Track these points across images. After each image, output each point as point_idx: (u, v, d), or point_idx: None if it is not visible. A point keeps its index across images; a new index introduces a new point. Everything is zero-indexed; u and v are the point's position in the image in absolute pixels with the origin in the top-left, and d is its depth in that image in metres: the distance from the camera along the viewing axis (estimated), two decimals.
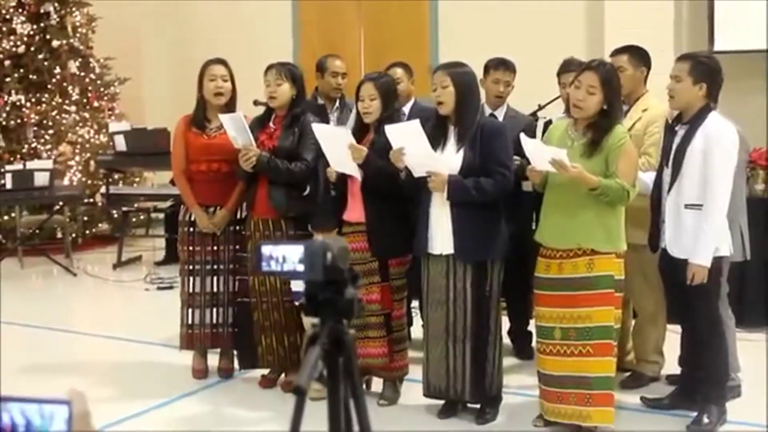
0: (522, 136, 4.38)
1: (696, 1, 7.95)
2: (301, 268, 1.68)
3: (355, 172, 4.73)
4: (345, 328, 1.69)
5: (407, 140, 4.48)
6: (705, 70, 4.44)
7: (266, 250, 1.71)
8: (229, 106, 5.30)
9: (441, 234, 4.52)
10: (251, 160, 4.92)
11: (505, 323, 5.68)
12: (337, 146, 4.73)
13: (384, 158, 4.62)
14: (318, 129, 4.84)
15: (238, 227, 5.32)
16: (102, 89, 10.27)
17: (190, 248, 5.33)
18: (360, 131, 4.88)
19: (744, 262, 4.98)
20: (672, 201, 4.46)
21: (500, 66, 5.61)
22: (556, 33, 8.52)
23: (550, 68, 5.68)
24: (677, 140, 4.47)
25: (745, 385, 4.93)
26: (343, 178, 4.86)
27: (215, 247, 5.31)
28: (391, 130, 4.54)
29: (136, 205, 9.65)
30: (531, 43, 8.51)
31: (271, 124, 5.17)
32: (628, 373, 5.21)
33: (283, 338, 5.11)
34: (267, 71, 5.10)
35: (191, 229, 5.33)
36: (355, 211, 4.86)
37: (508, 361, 5.58)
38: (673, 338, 5.10)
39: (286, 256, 1.69)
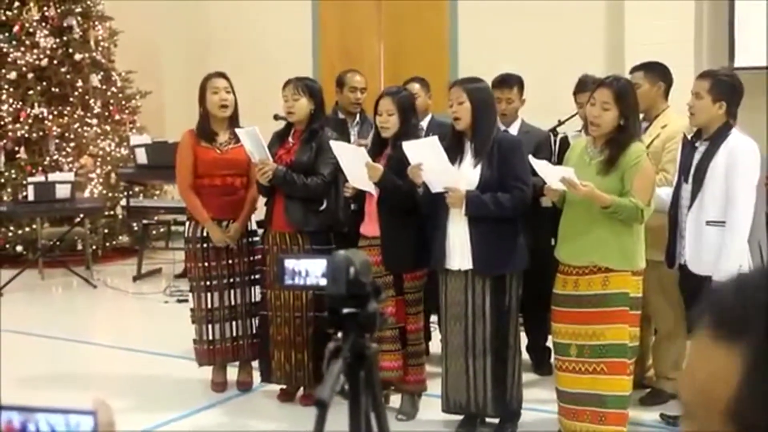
0: (531, 158, 4.38)
1: (717, 18, 7.93)
2: (323, 281, 1.70)
3: (372, 189, 4.75)
4: (367, 341, 1.70)
5: (425, 156, 4.49)
6: (725, 88, 4.43)
7: (289, 264, 1.73)
8: (233, 118, 5.35)
9: (459, 249, 4.53)
10: (267, 174, 4.95)
11: (524, 338, 5.70)
12: (355, 163, 4.76)
13: (401, 173, 4.65)
14: (336, 146, 4.86)
15: (250, 239, 5.36)
16: (123, 102, 10.35)
17: (205, 264, 5.35)
18: (379, 146, 4.90)
19: None
20: (693, 217, 4.45)
21: (498, 85, 5.53)
22: (577, 48, 8.51)
23: (570, 83, 5.69)
24: (698, 156, 4.46)
25: None
26: (361, 193, 4.89)
27: (230, 261, 5.34)
28: (409, 146, 4.56)
29: (156, 217, 9.69)
30: (551, 58, 8.53)
31: (290, 138, 5.20)
32: (647, 390, 5.19)
33: (291, 354, 5.12)
34: (285, 86, 5.13)
35: (204, 245, 5.34)
36: (371, 226, 4.89)
37: (527, 376, 5.55)
38: None
39: (309, 269, 1.71)
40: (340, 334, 1.72)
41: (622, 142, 4.27)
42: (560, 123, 6.03)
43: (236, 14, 10.60)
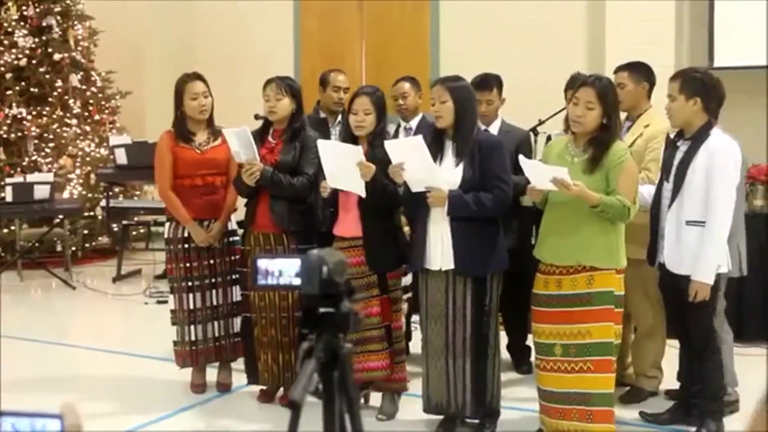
0: (521, 157, 4.37)
1: (697, 18, 7.97)
2: (297, 281, 1.69)
3: (359, 189, 4.70)
4: (341, 341, 1.69)
5: (408, 155, 4.48)
6: (696, 84, 4.45)
7: (263, 264, 1.71)
8: (210, 121, 5.35)
9: (440, 249, 4.52)
10: (255, 174, 4.93)
11: (503, 337, 5.70)
12: (343, 163, 4.69)
13: (382, 172, 4.63)
14: (323, 145, 4.82)
15: (230, 239, 5.36)
16: (103, 102, 10.30)
17: (187, 265, 5.32)
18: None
19: (741, 277, 4.97)
20: (673, 217, 4.46)
21: (478, 86, 5.44)
22: (558, 49, 8.54)
23: (551, 84, 5.70)
24: (679, 156, 4.47)
25: (742, 400, 4.92)
26: (334, 194, 4.86)
27: (212, 261, 5.32)
28: (392, 145, 4.55)
29: (136, 218, 9.65)
30: (532, 58, 8.55)
31: (270, 138, 5.17)
32: (627, 388, 5.20)
33: (278, 355, 5.10)
34: (266, 86, 5.11)
35: (186, 246, 5.32)
36: (348, 226, 4.87)
37: (507, 375, 5.57)
38: (672, 353, 5.09)
39: (282, 270, 1.69)
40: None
41: (605, 140, 4.27)
42: (541, 122, 6.04)
43: (218, 14, 10.57)
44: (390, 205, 4.74)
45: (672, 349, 5.12)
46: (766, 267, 6.19)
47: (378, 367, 4.84)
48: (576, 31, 8.69)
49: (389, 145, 4.55)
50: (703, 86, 4.45)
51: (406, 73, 6.37)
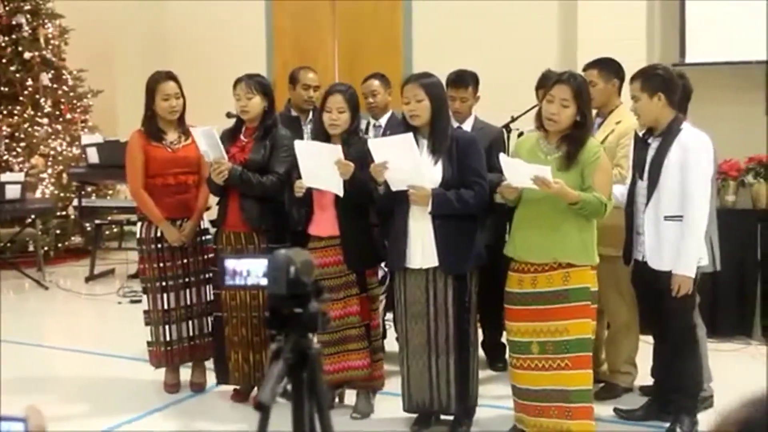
0: (502, 156, 4.36)
1: (668, 15, 7.99)
2: (265, 281, 1.67)
3: (337, 188, 4.67)
4: (310, 342, 1.67)
5: (393, 154, 4.44)
6: (657, 80, 4.47)
7: (230, 264, 1.70)
8: (181, 120, 5.31)
9: (421, 247, 4.50)
10: (223, 173, 4.90)
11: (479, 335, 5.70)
12: (320, 162, 4.65)
13: (356, 170, 4.60)
14: (300, 145, 4.79)
15: (203, 238, 5.33)
16: (75, 101, 10.20)
17: (161, 264, 5.28)
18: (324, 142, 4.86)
19: (714, 272, 4.99)
20: (651, 213, 4.47)
21: (451, 84, 5.46)
22: (530, 44, 8.54)
23: (523, 80, 5.70)
24: (651, 153, 4.48)
25: (717, 396, 4.94)
26: (308, 194, 4.83)
27: (185, 260, 5.29)
28: (376, 144, 4.52)
29: (109, 217, 9.58)
30: (504, 55, 8.54)
31: (242, 136, 5.14)
32: (601, 384, 5.21)
33: (249, 355, 5.07)
34: (236, 85, 5.08)
35: (159, 245, 5.28)
36: (324, 226, 4.84)
37: (481, 372, 5.55)
38: (646, 349, 5.11)
39: (250, 270, 1.68)
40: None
41: (580, 138, 4.28)
42: (513, 119, 6.03)
43: (190, 12, 10.50)
44: (366, 202, 4.71)
45: (646, 345, 5.13)
46: (738, 262, 6.23)
47: (359, 366, 4.82)
48: (548, 28, 8.69)
49: (373, 143, 4.52)
50: (663, 81, 4.47)
51: (380, 71, 6.34)
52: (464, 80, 5.56)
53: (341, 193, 4.66)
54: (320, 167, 4.67)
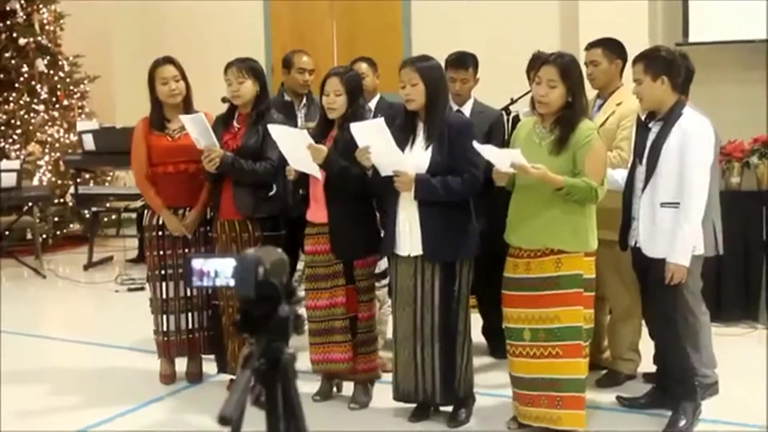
0: (475, 143, 4.24)
1: None
2: (234, 282, 1.57)
3: (317, 173, 4.61)
4: (282, 346, 1.57)
5: (373, 138, 4.36)
6: (660, 63, 4.34)
7: (197, 263, 1.59)
8: (187, 105, 5.18)
9: (409, 234, 4.41)
10: (214, 161, 4.80)
11: (479, 321, 5.61)
12: (296, 146, 4.59)
13: (348, 156, 4.51)
14: (274, 129, 4.68)
15: (207, 228, 5.20)
16: (71, 87, 10.11)
17: (161, 252, 5.19)
18: (325, 127, 4.76)
19: (718, 257, 4.88)
20: (647, 199, 4.36)
21: (452, 65, 5.36)
22: (530, 26, 8.43)
23: (523, 62, 5.56)
24: (651, 137, 4.36)
25: (722, 382, 4.84)
26: (305, 177, 4.74)
27: (186, 250, 5.17)
28: (356, 129, 4.42)
29: (107, 204, 9.50)
30: (504, 37, 8.43)
31: (235, 123, 5.03)
32: (603, 372, 5.12)
33: (245, 344, 4.96)
34: (227, 69, 4.96)
35: (160, 233, 5.19)
36: (317, 212, 4.74)
37: (483, 360, 5.50)
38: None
39: (218, 270, 1.57)
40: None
41: (571, 120, 4.17)
42: (513, 101, 5.93)
43: None
44: (353, 188, 4.59)
45: None
46: (743, 245, 6.12)
47: (340, 359, 4.74)
48: (549, 9, 8.58)
49: (354, 128, 4.41)
50: (667, 64, 4.34)
51: (378, 53, 6.25)
52: (464, 61, 5.46)
53: (320, 177, 4.59)
54: (297, 151, 4.59)
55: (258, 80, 4.96)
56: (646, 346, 5.01)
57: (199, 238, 5.21)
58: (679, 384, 4.43)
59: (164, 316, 5.21)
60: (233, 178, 4.90)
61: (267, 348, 1.56)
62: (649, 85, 4.32)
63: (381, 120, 4.36)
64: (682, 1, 7.61)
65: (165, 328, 5.21)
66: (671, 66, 4.34)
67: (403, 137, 4.42)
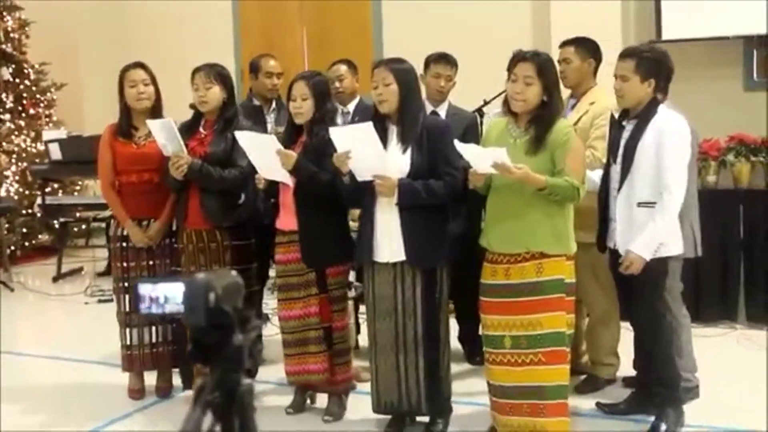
0: (457, 142, 4.14)
1: None
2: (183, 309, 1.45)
3: (286, 179, 4.49)
4: (238, 377, 1.45)
5: (355, 143, 4.23)
6: (652, 65, 4.24)
7: (144, 289, 1.47)
8: (156, 111, 5.04)
9: (388, 240, 4.29)
10: (182, 168, 4.67)
11: (455, 327, 5.51)
12: (265, 153, 4.48)
13: (318, 161, 4.41)
14: (242, 136, 4.57)
15: (173, 239, 5.06)
16: (38, 96, 9.91)
17: (124, 264, 5.06)
18: (293, 132, 4.65)
19: (696, 257, 4.80)
20: (623, 199, 4.27)
21: (440, 60, 5.40)
22: (502, 26, 8.35)
23: (495, 63, 5.44)
24: (626, 135, 4.28)
25: (703, 385, 4.75)
26: (274, 185, 4.62)
27: (150, 262, 5.04)
28: (337, 133, 4.29)
29: (77, 214, 9.34)
30: (476, 37, 8.34)
31: (201, 129, 4.90)
32: (582, 377, 5.02)
33: None
34: (194, 74, 4.84)
35: (124, 244, 5.06)
36: (287, 219, 4.63)
37: (459, 367, 5.40)
38: (629, 338, 4.89)
39: (167, 296, 1.45)
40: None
41: (547, 119, 4.07)
42: (486, 103, 5.85)
43: (155, 2, 10.23)
44: (323, 194, 4.47)
45: (629, 334, 4.92)
46: (721, 244, 6.07)
47: (316, 370, 4.63)
48: (521, 9, 8.50)
49: (335, 132, 4.28)
50: (658, 67, 4.25)
51: (349, 56, 6.15)
52: (450, 58, 5.45)
53: (290, 183, 4.48)
54: (266, 157, 4.48)
55: (225, 86, 4.85)
56: (626, 349, 4.93)
57: (165, 250, 5.08)
58: (666, 389, 4.34)
59: (127, 330, 5.07)
60: (201, 185, 4.77)
61: (222, 379, 1.44)
62: (636, 85, 4.22)
63: (369, 124, 4.21)
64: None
65: (128, 342, 5.08)
66: (660, 69, 4.26)
67: None
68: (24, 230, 9.54)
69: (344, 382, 4.74)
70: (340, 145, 4.26)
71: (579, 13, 7.47)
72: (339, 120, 5.53)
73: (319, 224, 4.53)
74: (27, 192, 9.53)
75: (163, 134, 4.73)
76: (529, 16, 8.49)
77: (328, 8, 9.47)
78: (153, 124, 4.77)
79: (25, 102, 9.76)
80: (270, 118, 5.76)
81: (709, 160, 6.15)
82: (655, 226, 4.15)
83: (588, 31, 5.30)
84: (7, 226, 9.07)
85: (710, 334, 5.83)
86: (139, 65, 5.08)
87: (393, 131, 4.33)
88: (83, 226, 9.66)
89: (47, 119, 9.93)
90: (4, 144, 9.48)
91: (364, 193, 4.32)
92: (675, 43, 6.93)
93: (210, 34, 9.77)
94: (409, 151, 4.27)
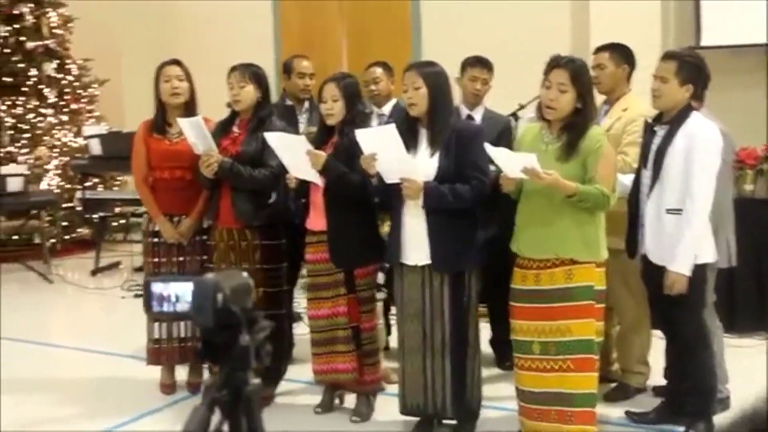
0: (487, 146, 4.13)
1: None
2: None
3: (316, 179, 4.51)
4: (245, 376, 1.46)
5: (380, 145, 4.24)
6: (692, 70, 4.20)
7: (156, 288, 1.49)
8: (189, 108, 5.08)
9: (416, 243, 4.29)
10: (212, 166, 4.70)
11: (488, 332, 5.50)
12: (295, 153, 4.51)
13: (348, 162, 4.42)
14: (271, 137, 4.60)
15: (204, 236, 5.10)
16: (80, 91, 10.05)
17: (155, 260, 5.11)
18: (325, 134, 4.67)
19: (731, 267, 4.73)
20: (652, 205, 4.24)
21: (477, 63, 5.40)
22: (541, 30, 8.30)
23: (535, 67, 5.44)
24: (657, 141, 4.24)
25: (734, 396, 4.69)
26: (305, 185, 4.64)
27: (181, 258, 5.09)
28: (363, 135, 4.30)
29: (118, 209, 9.44)
30: (515, 40, 8.31)
31: (235, 128, 4.93)
32: (612, 385, 4.98)
33: None
34: (230, 73, 4.87)
35: (155, 240, 5.11)
36: (317, 219, 4.65)
37: (490, 371, 5.38)
38: (659, 346, 4.85)
39: (178, 294, 1.47)
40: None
41: (580, 126, 4.05)
42: (521, 107, 5.81)
43: (197, 0, 10.31)
44: (354, 195, 4.49)
45: (660, 342, 4.87)
46: (757, 253, 5.98)
47: (345, 369, 4.64)
48: (561, 13, 8.45)
49: (360, 134, 4.30)
50: (699, 73, 4.21)
51: (388, 57, 6.17)
52: (487, 62, 5.46)
53: (320, 183, 4.51)
54: (296, 158, 4.51)
55: (260, 86, 4.87)
56: (657, 358, 4.88)
57: (196, 246, 5.12)
58: (701, 400, 4.29)
59: (156, 324, 5.12)
60: (231, 184, 4.80)
61: (228, 378, 1.45)
62: (675, 88, 4.18)
63: (392, 126, 4.23)
64: (694, 3, 7.46)
65: (156, 336, 5.13)
66: (700, 75, 4.22)
67: (405, 144, 4.31)
68: (64, 224, 9.66)
69: (372, 382, 4.74)
70: (366, 147, 4.28)
71: (618, 17, 7.41)
72: (374, 122, 5.55)
73: (348, 224, 4.54)
74: (68, 186, 9.66)
75: (193, 133, 4.77)
76: (568, 19, 8.44)
77: (368, 8, 9.48)
78: (183, 123, 4.81)
79: (67, 97, 9.90)
80: (303, 119, 5.78)
81: (746, 169, 6.07)
82: (686, 240, 4.12)
83: (628, 35, 5.26)
84: (48, 219, 9.19)
85: (745, 345, 5.75)
86: (175, 62, 5.14)
87: (423, 134, 4.34)
88: (122, 221, 9.78)
89: (89, 114, 10.06)
90: (46, 138, 9.62)
91: (393, 195, 4.33)
92: (714, 49, 6.86)
93: (250, 34, 9.83)
94: (437, 154, 4.27)
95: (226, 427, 1.47)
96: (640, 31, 6.70)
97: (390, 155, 4.23)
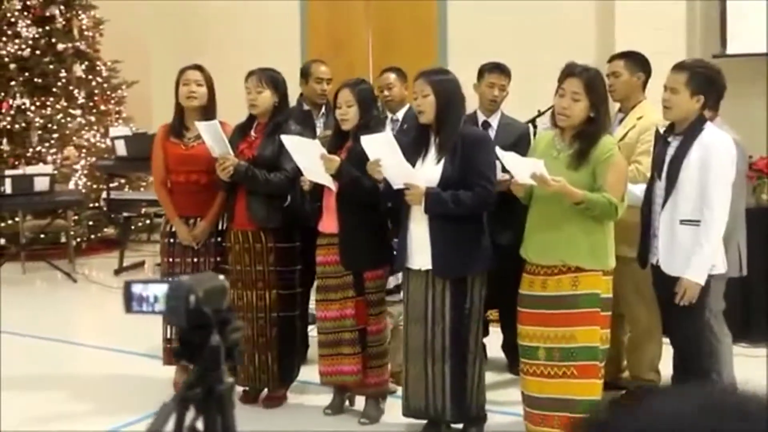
0: (498, 150, 4.17)
1: (708, 2, 7.70)
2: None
3: (330, 183, 4.59)
4: (218, 376, 1.51)
5: (382, 151, 4.31)
6: (703, 81, 4.19)
7: (136, 289, 1.56)
8: (208, 112, 5.16)
9: (420, 248, 4.35)
10: (228, 169, 4.77)
11: (500, 337, 5.53)
12: (310, 156, 4.59)
13: (361, 167, 4.47)
14: (288, 140, 4.68)
15: (219, 239, 5.18)
16: (109, 93, 10.18)
17: (170, 260, 5.22)
18: (340, 138, 4.73)
19: (742, 277, 4.73)
20: (667, 216, 4.24)
21: (495, 70, 5.43)
22: (566, 36, 8.30)
23: (558, 73, 5.49)
24: (671, 152, 4.24)
25: None
26: (319, 188, 4.71)
27: (195, 259, 5.18)
28: (367, 141, 4.37)
29: (143, 210, 9.56)
30: (540, 45, 8.31)
31: (252, 132, 5.01)
32: (623, 392, 4.99)
33: (254, 356, 4.96)
34: (247, 78, 4.96)
35: (171, 240, 5.21)
36: (329, 222, 4.72)
37: (501, 376, 5.41)
38: (670, 354, 4.85)
39: (158, 296, 1.53)
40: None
41: (592, 134, 4.07)
42: (540, 113, 5.83)
43: (224, 2, 10.41)
44: (366, 199, 4.56)
45: (670, 349, 4.87)
46: None
47: (350, 371, 4.69)
48: (586, 19, 8.43)
49: (365, 140, 4.37)
50: (708, 82, 4.20)
51: (414, 61, 6.22)
52: (505, 68, 5.49)
53: (333, 187, 4.57)
54: (310, 161, 4.58)
55: (277, 90, 4.94)
56: (667, 366, 4.88)
57: (210, 248, 5.21)
58: None
59: (167, 323, 5.19)
60: (247, 187, 4.87)
61: (201, 377, 1.51)
62: (685, 99, 4.17)
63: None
64: (719, 11, 7.43)
65: (169, 336, 5.21)
66: (712, 87, 4.21)
67: (416, 150, 4.38)
68: (90, 223, 9.80)
69: (377, 385, 4.79)
70: (371, 154, 4.35)
71: (643, 24, 7.40)
72: (388, 127, 5.61)
73: (358, 228, 4.61)
74: (95, 186, 9.79)
75: (209, 136, 4.85)
76: (593, 25, 8.43)
77: (394, 8, 9.52)
78: (200, 126, 4.90)
79: (96, 98, 10.03)
80: (319, 123, 5.85)
81: (764, 178, 6.05)
82: (703, 250, 4.12)
83: (653, 42, 5.26)
84: (74, 218, 9.32)
85: (759, 355, 5.73)
86: (197, 67, 5.23)
87: (433, 141, 4.40)
88: (146, 221, 9.89)
89: (117, 116, 10.19)
90: (74, 139, 9.75)
91: (400, 201, 4.39)
92: (739, 57, 6.85)
93: (277, 35, 9.89)
94: (443, 161, 4.31)
95: (200, 425, 1.53)
96: (666, 38, 6.69)
97: (392, 161, 4.30)
